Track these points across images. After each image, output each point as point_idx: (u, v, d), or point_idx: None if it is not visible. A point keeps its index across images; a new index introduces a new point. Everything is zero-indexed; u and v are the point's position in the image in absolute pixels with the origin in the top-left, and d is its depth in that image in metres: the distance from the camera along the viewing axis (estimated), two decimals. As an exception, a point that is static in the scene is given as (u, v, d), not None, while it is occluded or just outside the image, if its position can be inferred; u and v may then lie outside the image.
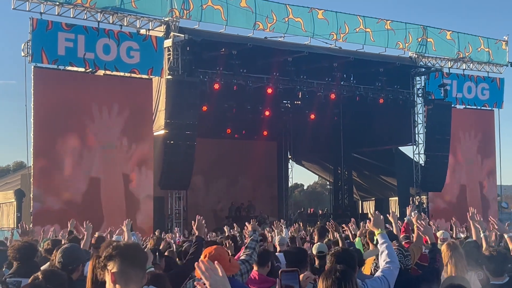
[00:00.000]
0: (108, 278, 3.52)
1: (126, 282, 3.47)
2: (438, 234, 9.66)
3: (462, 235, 10.76)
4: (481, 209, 30.29)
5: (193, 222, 7.68)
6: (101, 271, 3.56)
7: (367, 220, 8.44)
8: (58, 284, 4.38)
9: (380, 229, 5.68)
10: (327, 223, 11.52)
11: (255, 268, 6.71)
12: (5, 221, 29.02)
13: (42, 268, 5.83)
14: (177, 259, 8.57)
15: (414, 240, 8.11)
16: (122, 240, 7.17)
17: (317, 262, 6.90)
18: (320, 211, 34.37)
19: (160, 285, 3.64)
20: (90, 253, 8.58)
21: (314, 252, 7.17)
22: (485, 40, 31.46)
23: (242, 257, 6.59)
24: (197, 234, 7.88)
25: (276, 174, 35.26)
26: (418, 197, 29.96)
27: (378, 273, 5.38)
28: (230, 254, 5.19)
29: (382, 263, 5.42)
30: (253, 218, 14.45)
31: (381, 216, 5.85)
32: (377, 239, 5.73)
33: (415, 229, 8.31)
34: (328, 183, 45.35)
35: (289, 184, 37.88)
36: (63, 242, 7.70)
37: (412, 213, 8.92)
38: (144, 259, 3.67)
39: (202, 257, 4.65)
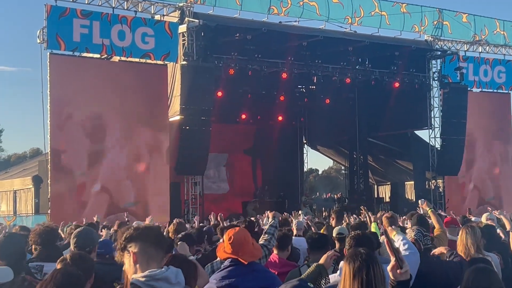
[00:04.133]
0: (128, 259, 3.56)
1: (148, 261, 3.52)
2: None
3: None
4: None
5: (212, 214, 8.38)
6: (121, 252, 3.61)
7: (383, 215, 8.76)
8: (85, 268, 4.41)
9: (395, 232, 5.78)
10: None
11: (275, 251, 6.74)
12: (23, 207, 29.24)
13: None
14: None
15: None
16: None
17: (337, 245, 6.90)
18: (336, 196, 34.31)
19: (179, 266, 3.67)
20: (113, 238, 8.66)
21: (334, 234, 7.17)
22: (501, 23, 31.12)
23: (261, 242, 6.63)
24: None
25: (291, 159, 35.16)
26: (434, 181, 29.82)
27: None
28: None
29: (402, 252, 5.49)
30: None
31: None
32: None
33: (431, 215, 8.51)
34: (343, 168, 45.28)
35: (305, 169, 37.82)
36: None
37: (419, 201, 9.12)
38: (165, 241, 3.72)
39: (226, 238, 4.63)
